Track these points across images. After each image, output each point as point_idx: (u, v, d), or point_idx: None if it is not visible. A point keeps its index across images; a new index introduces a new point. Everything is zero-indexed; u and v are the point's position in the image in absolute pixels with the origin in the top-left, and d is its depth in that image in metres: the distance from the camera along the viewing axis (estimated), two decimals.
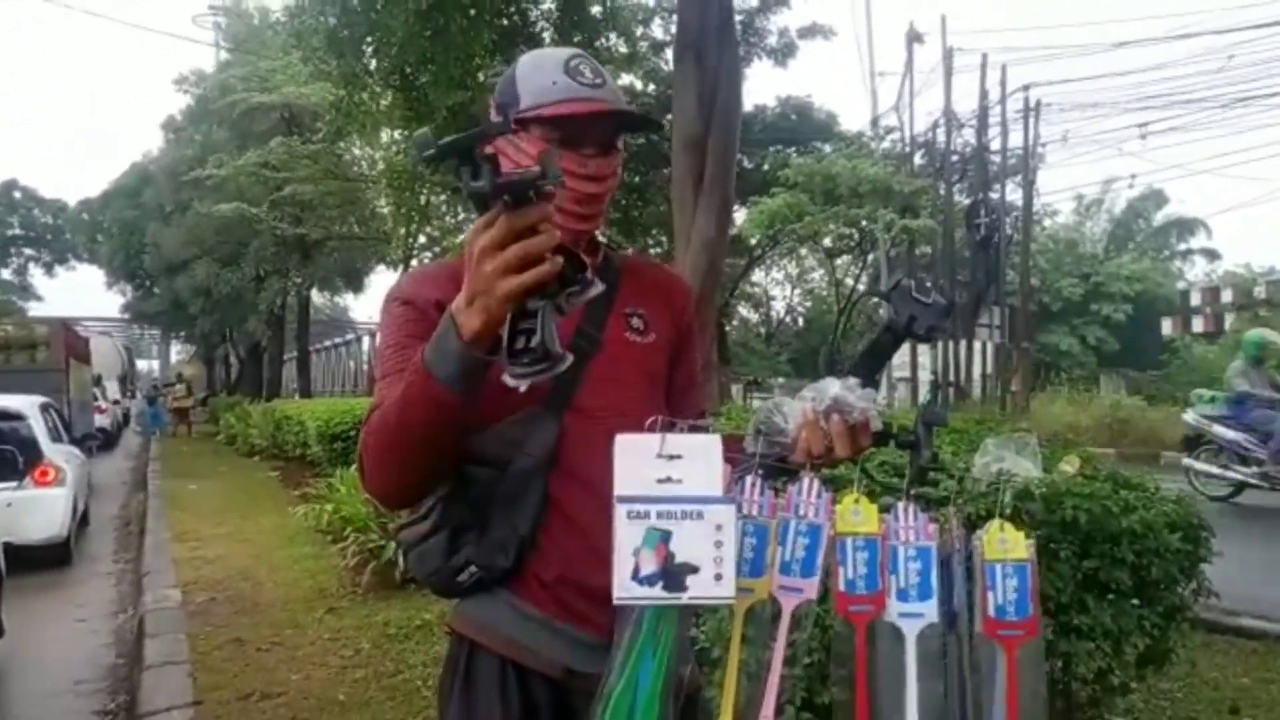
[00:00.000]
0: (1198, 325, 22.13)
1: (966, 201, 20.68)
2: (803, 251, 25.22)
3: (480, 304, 1.03)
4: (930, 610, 1.11)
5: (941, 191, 19.83)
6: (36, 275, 38.93)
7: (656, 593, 1.03)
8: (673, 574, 1.03)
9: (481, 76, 7.56)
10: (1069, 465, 3.20)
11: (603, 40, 8.21)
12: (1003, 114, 18.84)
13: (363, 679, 4.15)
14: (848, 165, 18.13)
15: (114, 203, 27.64)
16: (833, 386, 1.18)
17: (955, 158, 20.56)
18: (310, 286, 23.60)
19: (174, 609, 5.56)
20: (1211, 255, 30.75)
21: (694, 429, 1.10)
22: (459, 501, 1.31)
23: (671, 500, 1.04)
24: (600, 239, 1.46)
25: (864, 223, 18.28)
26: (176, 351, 47.10)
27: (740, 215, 20.87)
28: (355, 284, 26.77)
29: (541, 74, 1.30)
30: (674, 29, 17.68)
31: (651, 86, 20.18)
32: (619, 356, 1.34)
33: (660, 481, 1.06)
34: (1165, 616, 2.94)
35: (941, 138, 20.43)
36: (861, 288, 23.98)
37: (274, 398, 21.96)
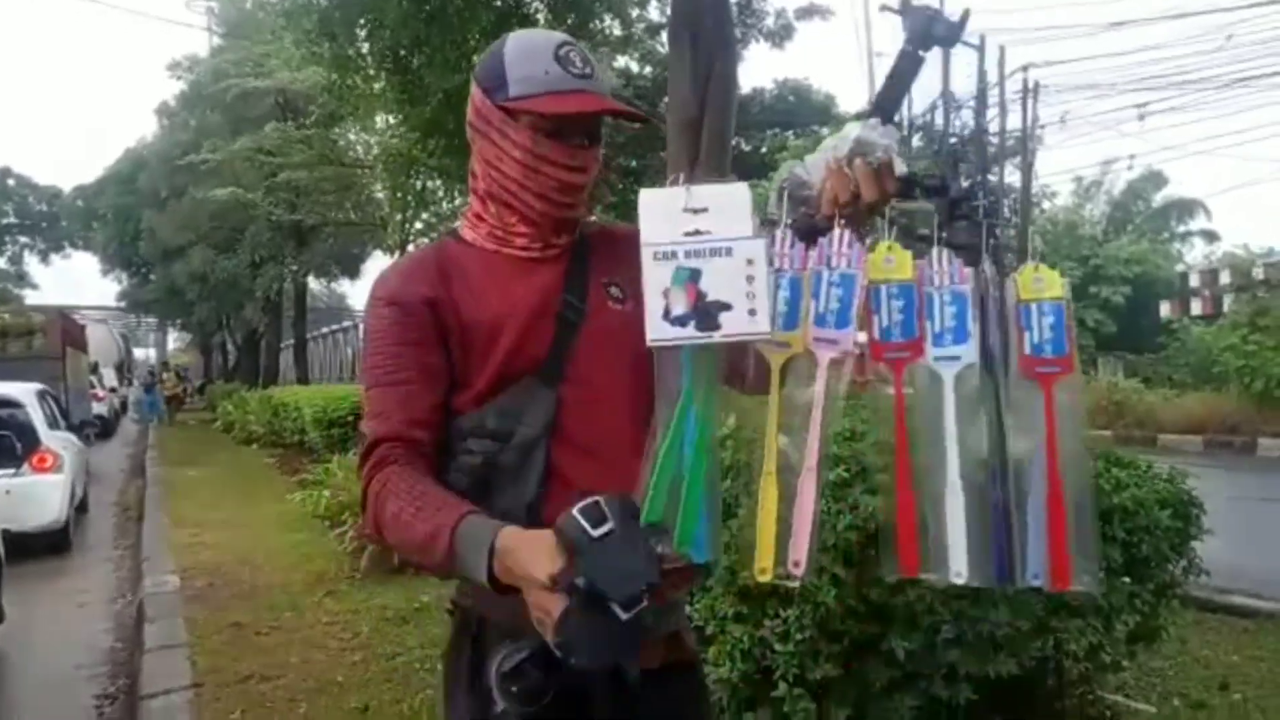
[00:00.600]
0: (1196, 307, 22.07)
1: (966, 183, 20.64)
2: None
3: (526, 598, 1.09)
4: (968, 352, 1.11)
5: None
6: (32, 263, 38.88)
7: (690, 332, 1.03)
8: (705, 312, 1.03)
9: (476, 60, 7.52)
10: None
11: (596, 23, 8.14)
12: (1001, 95, 18.77)
13: (361, 661, 4.17)
14: None
15: (109, 189, 27.54)
16: (853, 129, 1.15)
17: (954, 139, 20.50)
18: (306, 273, 23.56)
19: (173, 594, 5.59)
20: (1211, 237, 30.74)
21: (706, 177, 1.09)
22: (464, 475, 1.31)
23: (697, 240, 1.04)
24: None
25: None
26: (173, 339, 47.05)
27: None
28: (352, 270, 26.73)
29: (531, 61, 1.29)
30: (669, 10, 17.62)
31: (648, 69, 20.09)
32: (605, 325, 1.34)
33: (688, 234, 1.06)
34: (1156, 594, 2.96)
35: (940, 119, 20.35)
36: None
37: (271, 385, 21.96)
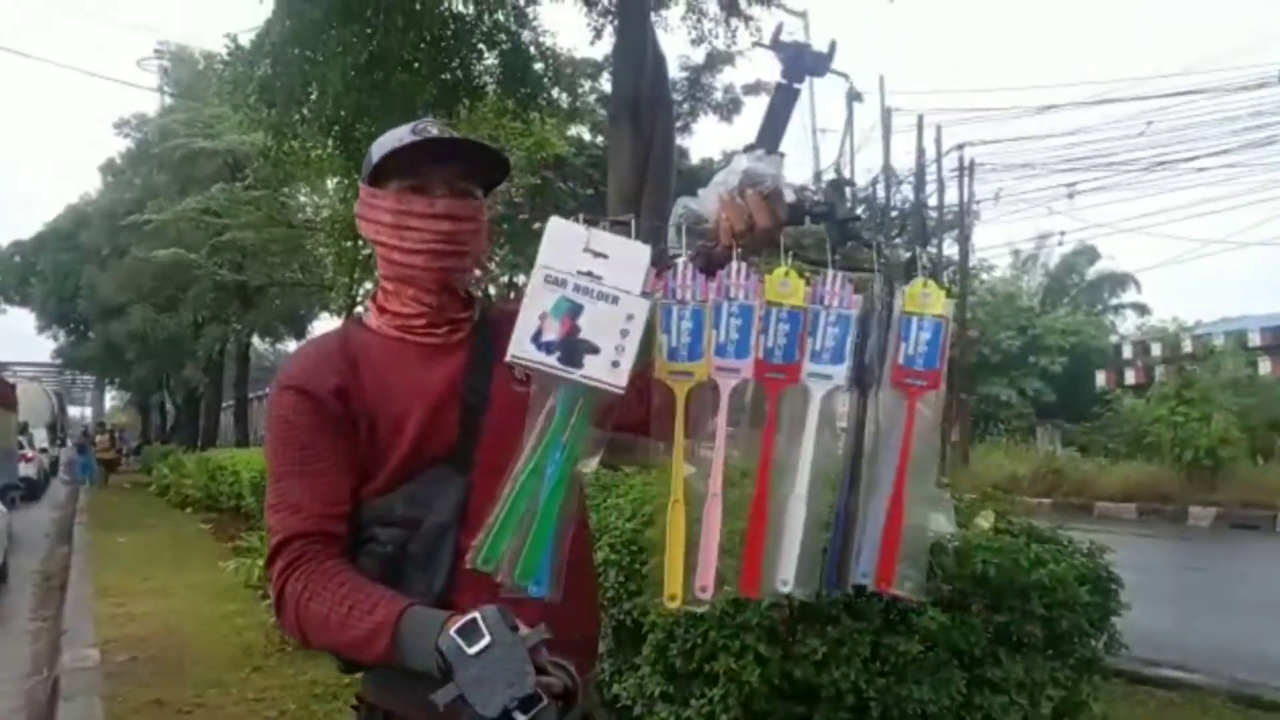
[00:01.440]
0: (1130, 377, 22.78)
1: (906, 255, 21.27)
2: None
3: None
4: (839, 374, 1.16)
5: (881, 245, 20.36)
6: None
7: (551, 361, 1.05)
8: (571, 348, 1.04)
9: None
10: (984, 520, 3.28)
11: (546, 95, 8.33)
12: (939, 171, 19.50)
13: None
14: None
15: (48, 245, 27.00)
16: (741, 161, 1.19)
17: (894, 213, 21.18)
18: (251, 333, 23.24)
19: (92, 669, 5.36)
20: (1142, 309, 31.87)
21: (615, 227, 1.11)
22: (373, 563, 1.29)
23: (593, 279, 1.06)
24: (473, 293, 1.46)
25: (806, 273, 18.62)
26: (111, 398, 45.74)
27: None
28: (298, 330, 26.36)
29: (390, 139, 1.36)
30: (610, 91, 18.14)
31: (600, 138, 20.50)
32: (509, 408, 1.30)
33: (581, 274, 1.08)
34: (1077, 669, 2.98)
35: (881, 194, 21.04)
36: None
37: (210, 446, 21.42)
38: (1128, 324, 31.61)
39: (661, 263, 1.15)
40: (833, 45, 1.26)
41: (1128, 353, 24.02)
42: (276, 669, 5.19)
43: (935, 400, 1.19)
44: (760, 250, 1.20)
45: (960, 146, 19.01)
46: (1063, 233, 28.78)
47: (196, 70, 21.80)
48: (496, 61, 7.69)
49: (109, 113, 43.88)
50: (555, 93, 8.86)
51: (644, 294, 1.08)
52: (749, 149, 1.22)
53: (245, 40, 6.63)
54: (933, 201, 20.40)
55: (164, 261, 17.66)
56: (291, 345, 32.56)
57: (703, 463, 1.16)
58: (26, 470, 19.25)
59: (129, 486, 21.48)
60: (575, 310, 1.05)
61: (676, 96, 16.26)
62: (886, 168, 20.21)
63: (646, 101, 5.76)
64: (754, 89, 22.14)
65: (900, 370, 1.18)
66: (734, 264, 1.16)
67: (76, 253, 25.01)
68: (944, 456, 17.64)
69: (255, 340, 25.76)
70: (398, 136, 1.35)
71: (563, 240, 1.10)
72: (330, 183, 15.09)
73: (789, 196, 1.21)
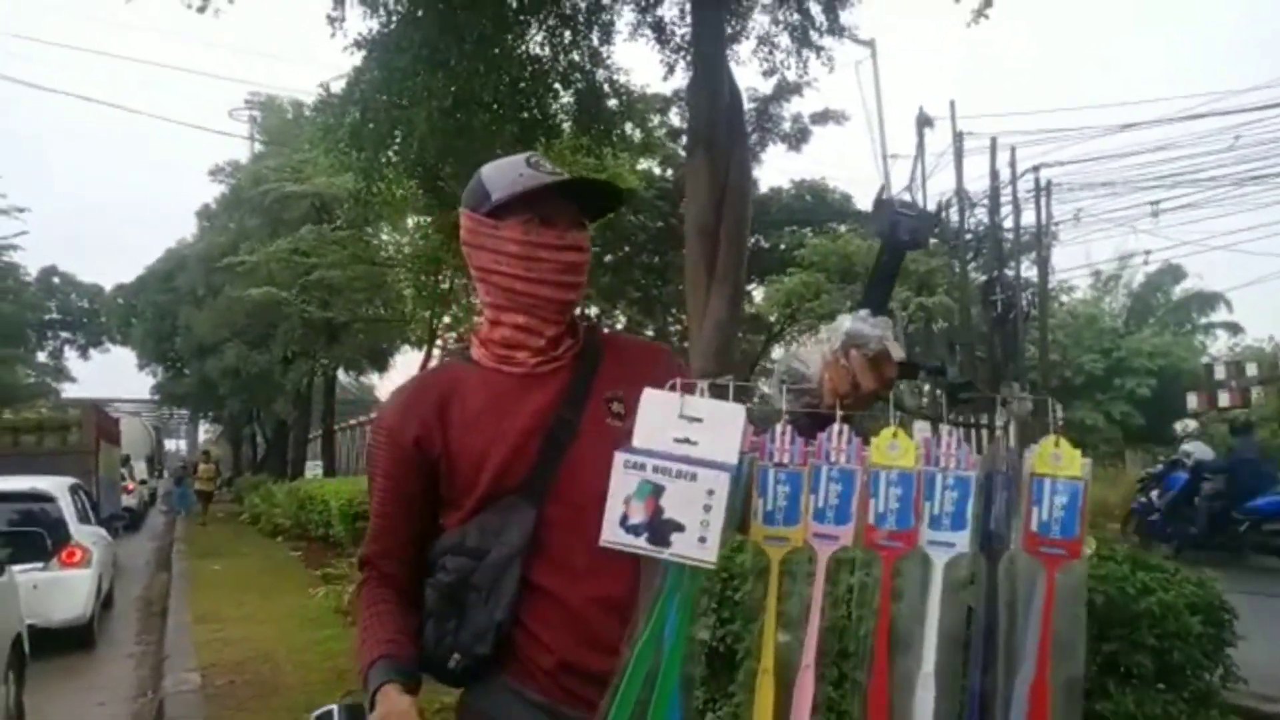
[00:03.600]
0: (1224, 399, 21.82)
1: (982, 278, 20.84)
2: (821, 329, 25.32)
3: None
4: (962, 541, 1.08)
5: (957, 269, 20.01)
6: (71, 357, 39.74)
7: (640, 543, 1.06)
8: (658, 528, 1.05)
9: None
10: (1086, 547, 3.21)
11: (620, 131, 8.51)
12: (1014, 193, 19.08)
13: None
14: (863, 244, 18.38)
15: (148, 287, 28.37)
16: (845, 321, 1.17)
17: (969, 236, 20.79)
18: (336, 367, 23.95)
19: (193, 692, 5.59)
20: (1234, 329, 30.53)
21: (715, 390, 1.11)
22: (436, 593, 1.38)
23: (670, 458, 1.07)
24: (583, 317, 1.55)
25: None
26: (204, 431, 47.58)
27: (759, 294, 21.13)
28: (380, 364, 27.12)
29: (506, 172, 1.44)
30: (686, 124, 18.32)
31: (669, 171, 20.72)
32: (598, 442, 1.32)
33: (678, 441, 1.08)
34: (1192, 703, 2.81)
35: (954, 217, 20.69)
36: None
37: (298, 477, 22.11)
38: (1219, 344, 30.29)
39: (765, 423, 1.12)
40: (937, 209, 1.23)
41: (1220, 374, 22.97)
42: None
43: (1076, 570, 1.09)
44: (866, 408, 1.16)
45: (1036, 168, 18.61)
46: (1148, 252, 27.83)
47: (285, 118, 22.86)
48: (572, 100, 7.90)
49: (205, 161, 46.05)
50: (628, 128, 9.04)
51: (725, 466, 1.07)
52: (853, 308, 1.18)
53: (336, 88, 6.97)
54: (1009, 224, 19.98)
55: (256, 300, 18.44)
56: (375, 379, 33.53)
57: (797, 628, 1.11)
58: (128, 501, 20.14)
59: (222, 516, 22.26)
60: (657, 491, 1.06)
61: (746, 124, 16.36)
62: (960, 192, 19.89)
63: (722, 135, 5.84)
64: (821, 118, 22.13)
65: (1034, 538, 1.08)
66: (835, 426, 1.11)
67: (174, 294, 26.22)
68: None
69: (340, 374, 26.56)
70: (518, 171, 1.42)
71: (658, 409, 1.10)
72: (410, 221, 15.58)
73: (897, 355, 1.16)
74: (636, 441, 1.10)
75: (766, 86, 18.19)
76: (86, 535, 8.26)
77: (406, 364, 26.31)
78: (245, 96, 25.25)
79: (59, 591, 7.42)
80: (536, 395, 1.40)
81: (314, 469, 25.71)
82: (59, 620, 7.25)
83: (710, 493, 1.05)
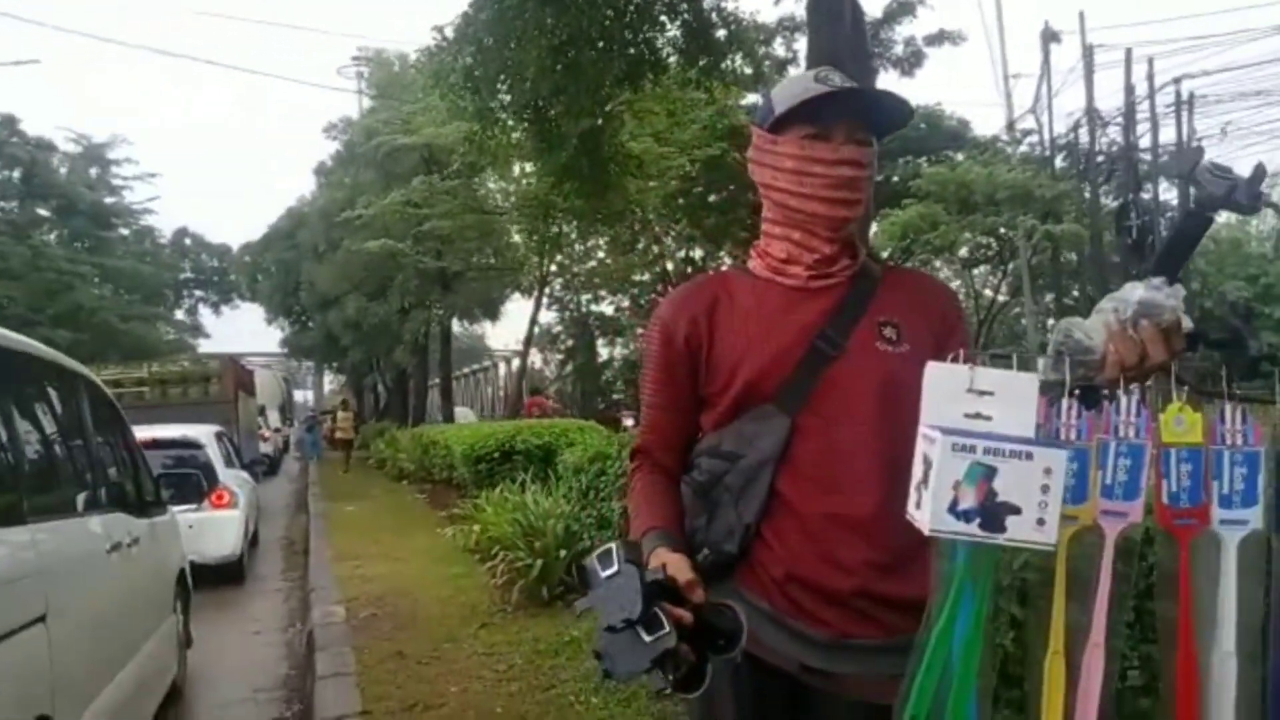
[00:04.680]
0: None
1: (1115, 203, 19.57)
2: (937, 263, 24.46)
3: None
4: (1255, 517, 1.06)
5: (1087, 194, 18.86)
6: (205, 314, 42.20)
7: (972, 529, 1.02)
8: (992, 512, 1.01)
9: (609, 106, 7.76)
10: None
11: (728, 63, 8.24)
12: (1151, 109, 17.77)
13: (518, 692, 4.26)
14: (983, 172, 17.50)
15: (272, 245, 29.67)
16: (1136, 290, 1.13)
17: (1101, 158, 19.52)
18: (451, 316, 24.59)
19: (339, 624, 5.87)
20: None
21: (995, 359, 1.08)
22: (691, 490, 1.44)
23: (999, 438, 1.03)
24: (858, 246, 1.50)
25: (1002, 230, 17.59)
26: (329, 381, 49.96)
27: (872, 228, 20.47)
28: (492, 313, 27.72)
29: (791, 86, 1.43)
30: (796, 46, 17.60)
31: None
32: (864, 363, 1.36)
33: (969, 416, 1.05)
34: None
35: (1085, 138, 19.43)
36: (1003, 298, 23.01)
37: (420, 423, 22.95)
38: None
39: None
40: (1259, 169, 1.13)
41: None
42: (502, 626, 5.50)
43: None
44: (1144, 381, 1.12)
45: (1177, 79, 17.24)
46: None
47: (392, 72, 23.24)
48: (679, 32, 7.68)
49: (321, 119, 47.50)
50: (737, 60, 8.75)
51: (1060, 442, 1.04)
52: (1145, 275, 1.14)
53: (448, 33, 6.97)
54: (1145, 144, 18.64)
55: (372, 253, 19.01)
56: (487, 326, 34.35)
57: (1085, 607, 1.08)
58: (265, 448, 21.34)
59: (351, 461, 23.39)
60: (990, 473, 1.01)
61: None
62: (1090, 110, 18.65)
63: (846, 57, 5.57)
64: (936, 39, 21.02)
65: None
66: (1123, 398, 1.07)
67: (296, 250, 27.34)
68: None
69: (455, 323, 27.29)
70: (803, 85, 1.39)
71: (942, 385, 1.07)
72: (517, 168, 15.67)
73: (1187, 325, 1.12)
74: (926, 418, 1.06)
75: (878, 8, 17.40)
76: (232, 479, 8.77)
77: (518, 311, 26.80)
78: (353, 53, 25.79)
79: (211, 531, 7.92)
80: (806, 309, 1.42)
81: (464, 414, 26.30)
82: (212, 557, 7.74)
83: (1048, 471, 1.01)
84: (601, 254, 21.20)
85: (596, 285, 23.85)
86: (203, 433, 9.02)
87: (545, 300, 22.39)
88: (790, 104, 1.37)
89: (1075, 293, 22.32)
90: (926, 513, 1.02)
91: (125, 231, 33.17)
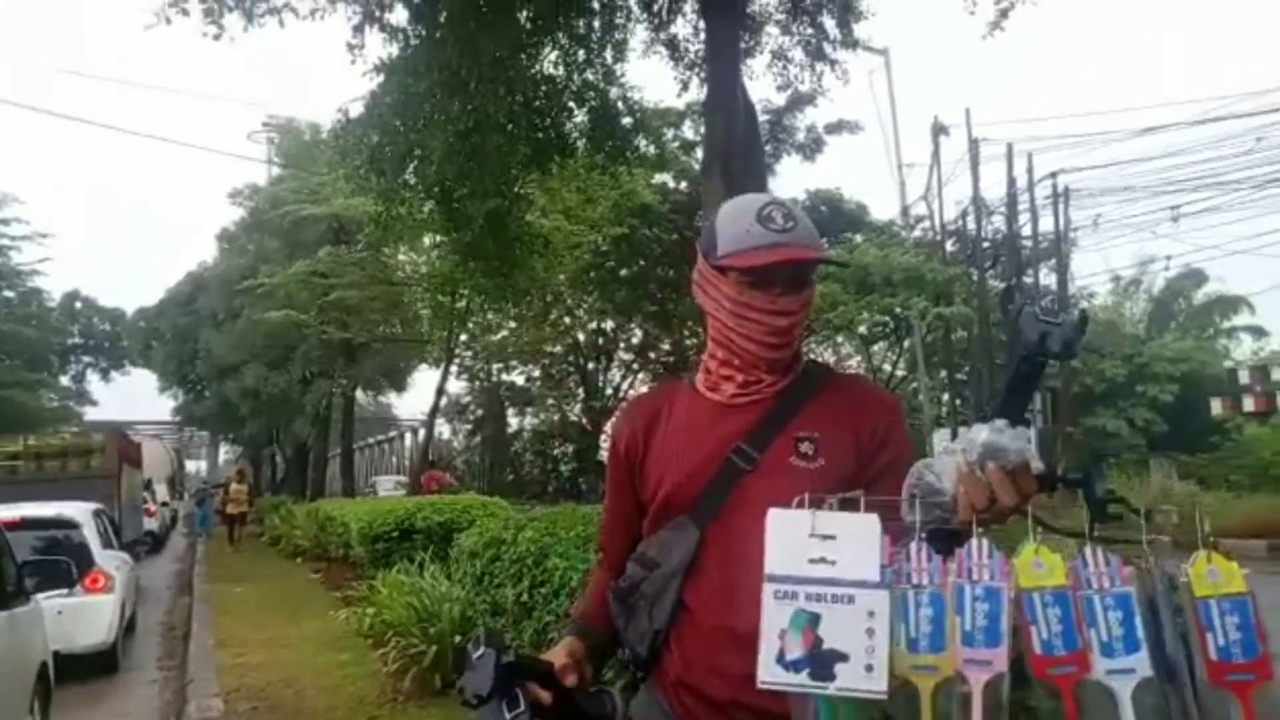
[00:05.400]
0: (1249, 404, 21.54)
1: (1000, 286, 20.73)
2: (839, 339, 25.29)
3: None
4: (1141, 663, 0.98)
5: (975, 277, 19.92)
6: (93, 380, 40.27)
7: (802, 679, 0.98)
8: (820, 660, 0.98)
9: (517, 187, 7.89)
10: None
11: (633, 147, 8.51)
12: (1031, 200, 19.04)
13: None
14: (879, 255, 18.35)
15: (169, 311, 28.68)
16: (981, 433, 1.11)
17: (987, 244, 20.71)
18: (355, 387, 24.08)
19: (217, 718, 5.58)
20: (1258, 333, 30.22)
21: (845, 504, 1.07)
22: (614, 595, 1.53)
23: (822, 582, 1.00)
24: (803, 357, 1.57)
25: (898, 310, 18.39)
26: (224, 452, 47.94)
27: None
28: (398, 383, 27.27)
29: (736, 223, 1.44)
30: (703, 131, 18.30)
31: (685, 184, 20.76)
32: (776, 479, 1.36)
33: (813, 562, 1.02)
34: None
35: (972, 225, 20.62)
36: (900, 373, 23.90)
37: (318, 497, 22.18)
38: (1243, 348, 30.04)
39: (892, 531, 1.08)
40: (1084, 317, 1.18)
41: (1245, 378, 22.72)
42: (391, 718, 5.31)
43: (1272, 693, 1.00)
44: (1002, 523, 1.11)
45: (1054, 174, 18.56)
46: (1169, 257, 27.63)
47: (302, 141, 23.08)
48: (586, 118, 7.90)
49: (224, 185, 46.65)
50: (642, 144, 9.04)
51: (880, 583, 1.01)
52: (989, 419, 1.14)
53: (354, 113, 7.01)
54: (1027, 231, 19.89)
55: (275, 322, 18.59)
56: (393, 398, 33.70)
57: None
58: (150, 524, 20.23)
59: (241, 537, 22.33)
60: (814, 620, 0.99)
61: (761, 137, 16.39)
62: (976, 199, 19.84)
63: (739, 151, 5.83)
64: (835, 128, 22.14)
65: (1217, 668, 0.99)
66: (975, 541, 1.04)
67: (194, 316, 26.50)
68: (1052, 492, 16.93)
69: (359, 394, 26.70)
70: (745, 227, 1.42)
71: (786, 531, 1.05)
72: (426, 240, 15.67)
73: (1037, 468, 1.11)
74: (771, 567, 1.04)
75: (780, 98, 18.26)
76: (109, 561, 8.30)
77: (424, 382, 26.40)
78: (263, 120, 25.52)
79: (83, 617, 7.44)
80: (729, 423, 1.46)
81: (386, 485, 24.99)
82: (83, 646, 7.27)
83: (872, 614, 0.98)
84: (512, 325, 21.22)
85: (508, 355, 23.79)
86: (79, 511, 8.55)
87: (454, 370, 22.17)
88: (729, 250, 1.42)
89: (966, 369, 23.35)
90: (759, 663, 0.99)
91: (10, 294, 31.57)
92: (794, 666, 0.99)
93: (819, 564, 1.03)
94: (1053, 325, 1.14)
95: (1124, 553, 1.06)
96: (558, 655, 1.44)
